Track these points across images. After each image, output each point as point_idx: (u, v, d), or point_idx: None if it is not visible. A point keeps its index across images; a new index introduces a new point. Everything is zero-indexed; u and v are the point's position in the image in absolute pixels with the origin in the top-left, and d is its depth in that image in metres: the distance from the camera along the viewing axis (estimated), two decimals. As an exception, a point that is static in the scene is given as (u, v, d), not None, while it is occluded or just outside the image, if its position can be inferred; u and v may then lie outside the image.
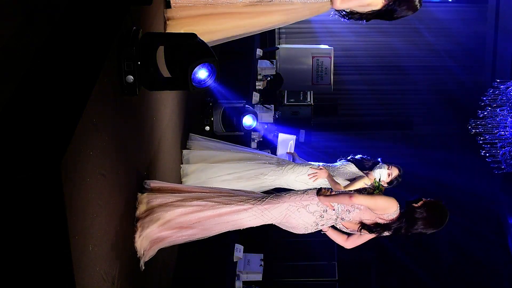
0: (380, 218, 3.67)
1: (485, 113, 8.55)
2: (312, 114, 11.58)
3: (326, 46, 11.44)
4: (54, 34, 3.00)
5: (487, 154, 8.58)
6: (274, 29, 11.78)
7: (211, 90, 6.61)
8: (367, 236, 3.84)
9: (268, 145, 9.29)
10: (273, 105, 9.77)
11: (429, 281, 12.09)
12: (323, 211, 3.75)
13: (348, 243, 3.96)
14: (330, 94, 12.01)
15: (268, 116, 9.38)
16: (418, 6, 4.35)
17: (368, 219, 3.69)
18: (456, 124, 12.20)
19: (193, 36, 3.53)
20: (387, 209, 3.68)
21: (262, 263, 7.45)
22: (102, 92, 2.97)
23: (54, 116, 2.65)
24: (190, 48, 3.52)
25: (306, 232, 3.92)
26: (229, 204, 3.74)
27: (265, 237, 9.45)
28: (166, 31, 4.22)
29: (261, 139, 9.10)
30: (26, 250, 2.53)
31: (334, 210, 3.71)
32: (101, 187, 2.98)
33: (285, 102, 11.50)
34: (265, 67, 9.85)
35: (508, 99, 8.29)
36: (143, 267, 3.66)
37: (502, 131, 8.43)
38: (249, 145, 8.61)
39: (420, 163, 12.99)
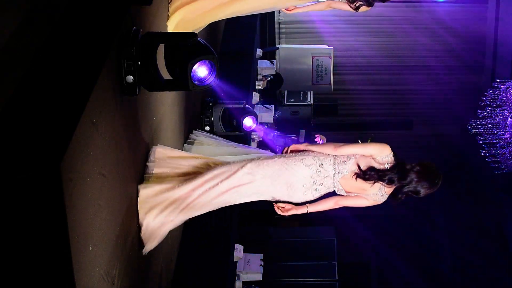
0: (375, 162, 3.72)
1: (485, 113, 8.55)
2: (312, 114, 11.58)
3: (326, 46, 11.45)
4: (54, 34, 3.00)
5: (487, 154, 8.58)
6: (274, 29, 11.80)
7: (211, 89, 6.61)
8: (361, 200, 3.86)
9: (267, 146, 9.30)
10: (273, 105, 9.77)
11: (429, 282, 12.08)
12: (320, 165, 3.76)
13: (341, 202, 3.91)
14: (330, 94, 12.01)
15: (268, 116, 9.38)
16: None
17: (364, 164, 3.72)
18: (456, 124, 12.21)
19: (193, 35, 3.53)
20: (380, 151, 3.75)
21: (262, 263, 7.45)
22: (102, 92, 2.97)
23: (54, 116, 2.65)
24: (190, 46, 3.52)
25: (306, 198, 3.83)
26: (228, 177, 3.77)
27: (265, 237, 9.45)
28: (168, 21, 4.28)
29: (261, 139, 9.10)
30: (26, 250, 2.53)
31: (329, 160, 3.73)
32: (101, 187, 2.98)
33: (285, 102, 11.50)
34: (265, 67, 9.86)
35: (508, 99, 8.29)
36: (146, 253, 3.76)
37: (502, 131, 8.43)
38: (249, 145, 8.61)
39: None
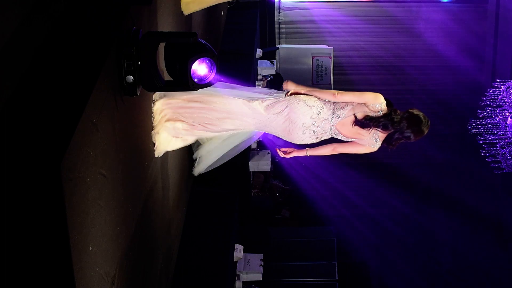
0: (370, 110, 4.02)
1: (485, 113, 8.55)
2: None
3: (326, 46, 11.46)
4: (54, 34, 3.00)
5: (487, 154, 8.58)
6: (274, 29, 11.80)
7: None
8: (357, 147, 4.21)
9: (266, 147, 9.30)
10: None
11: (429, 282, 12.08)
12: (320, 108, 4.08)
13: (338, 148, 4.28)
14: (330, 94, 12.00)
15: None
16: None
17: (360, 112, 4.03)
18: (456, 124, 12.21)
19: (193, 34, 3.53)
20: (374, 99, 4.05)
21: (262, 263, 7.46)
22: (102, 92, 2.97)
23: (54, 116, 2.65)
24: (190, 45, 3.52)
25: (303, 138, 4.14)
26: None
27: (265, 237, 9.45)
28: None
29: (261, 139, 9.10)
30: (26, 250, 2.53)
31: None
32: (101, 187, 2.98)
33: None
34: (265, 67, 9.86)
35: (508, 99, 8.29)
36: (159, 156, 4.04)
37: (502, 131, 8.43)
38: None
39: (420, 162, 13.00)
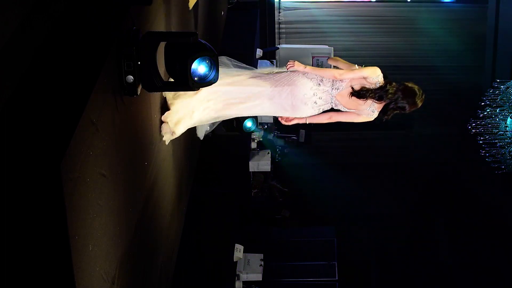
0: (368, 83, 4.26)
1: (485, 113, 8.55)
2: (312, 114, 11.56)
3: (326, 46, 11.45)
4: (54, 34, 3.00)
5: (487, 154, 8.58)
6: (274, 29, 11.80)
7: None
8: (353, 116, 4.41)
9: (266, 146, 9.30)
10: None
11: (429, 281, 12.08)
12: (320, 80, 4.33)
13: (335, 116, 4.50)
14: (330, 94, 12.00)
15: (268, 116, 9.40)
16: None
17: (357, 84, 4.27)
18: (456, 124, 12.21)
19: (193, 34, 3.53)
20: (373, 73, 4.28)
21: (262, 263, 7.46)
22: (102, 92, 2.97)
23: (54, 116, 2.65)
24: (190, 44, 3.52)
25: (305, 109, 4.36)
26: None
27: (265, 237, 9.46)
28: None
29: (261, 139, 9.11)
30: (26, 250, 2.53)
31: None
32: (101, 187, 2.98)
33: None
34: (265, 67, 9.84)
35: (508, 99, 8.29)
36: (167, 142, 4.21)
37: (502, 131, 8.44)
38: (248, 145, 8.63)
39: (420, 162, 13.00)
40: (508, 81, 8.57)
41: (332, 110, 4.47)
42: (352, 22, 11.84)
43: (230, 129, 6.14)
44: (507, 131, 8.38)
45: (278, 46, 11.46)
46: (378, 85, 4.25)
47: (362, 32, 11.85)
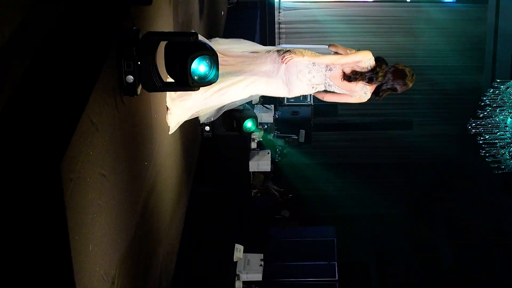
0: (359, 67, 4.45)
1: (485, 113, 8.55)
2: (312, 114, 11.58)
3: (326, 46, 11.42)
4: (54, 34, 3.00)
5: (487, 154, 8.58)
6: (274, 29, 11.80)
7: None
8: (346, 97, 4.60)
9: (266, 146, 9.30)
10: (273, 105, 9.77)
11: (429, 281, 12.07)
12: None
13: (328, 96, 4.71)
14: (330, 94, 11.99)
15: (268, 116, 9.39)
16: None
17: (348, 68, 4.47)
18: (456, 124, 12.21)
19: (193, 34, 3.53)
20: (365, 57, 4.45)
21: (262, 263, 7.46)
22: (102, 92, 2.97)
23: (54, 116, 2.65)
24: (190, 44, 3.52)
25: (300, 86, 4.56)
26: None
27: (265, 237, 9.45)
28: None
29: (261, 139, 9.11)
30: (26, 250, 2.53)
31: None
32: (101, 187, 2.98)
33: (285, 102, 11.49)
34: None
35: (508, 99, 8.29)
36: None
37: (502, 131, 8.43)
38: (248, 145, 8.63)
39: (420, 162, 13.00)
40: (508, 81, 8.57)
41: (325, 91, 4.68)
42: (352, 22, 11.84)
43: (230, 129, 6.14)
44: (507, 131, 8.38)
45: (278, 46, 11.45)
46: (369, 68, 4.43)
47: (362, 32, 11.85)
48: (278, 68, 4.55)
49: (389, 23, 12.12)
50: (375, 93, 4.53)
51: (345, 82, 4.47)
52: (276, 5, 11.77)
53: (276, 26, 11.79)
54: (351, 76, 4.45)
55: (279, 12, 11.94)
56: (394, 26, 12.10)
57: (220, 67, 3.87)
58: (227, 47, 4.79)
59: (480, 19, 11.98)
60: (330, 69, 4.51)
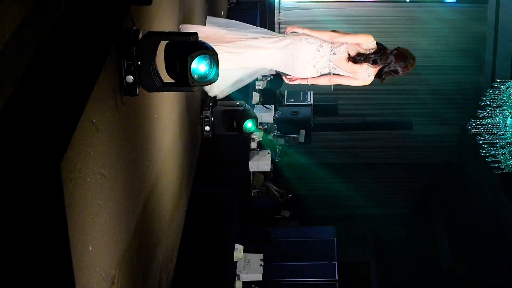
0: (362, 49, 4.62)
1: (485, 113, 8.54)
2: (312, 114, 11.58)
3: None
4: (54, 34, 3.00)
5: (487, 154, 8.57)
6: (274, 29, 11.79)
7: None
8: (351, 81, 4.75)
9: (266, 146, 9.29)
10: (273, 105, 9.77)
11: (429, 281, 12.08)
12: (320, 45, 4.69)
13: (334, 79, 4.83)
14: (330, 94, 12.00)
15: (268, 116, 9.39)
16: None
17: (353, 50, 4.62)
18: (456, 124, 12.21)
19: (193, 34, 3.53)
20: (365, 40, 4.67)
21: (262, 263, 7.46)
22: (102, 92, 2.97)
23: (54, 116, 2.65)
24: (190, 44, 3.52)
25: (305, 72, 4.75)
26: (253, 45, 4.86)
27: (265, 237, 9.46)
28: None
29: (261, 139, 9.11)
30: (26, 250, 2.53)
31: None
32: (101, 187, 2.98)
33: (285, 102, 11.49)
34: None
35: (508, 99, 8.28)
36: None
37: (502, 131, 8.43)
38: (248, 145, 8.64)
39: (420, 163, 13.00)
40: (508, 81, 8.56)
41: (330, 74, 4.84)
42: (352, 22, 11.83)
43: (230, 129, 6.14)
44: (507, 131, 8.37)
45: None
46: (372, 51, 4.61)
47: (362, 32, 11.84)
48: (283, 53, 4.74)
49: (389, 23, 12.12)
50: (377, 75, 4.68)
51: (350, 64, 4.63)
52: (276, 5, 11.77)
53: (276, 26, 11.79)
54: (356, 58, 4.60)
55: (279, 12, 11.94)
56: (394, 26, 12.11)
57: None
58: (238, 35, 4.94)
59: (480, 19, 11.98)
60: (334, 53, 4.67)
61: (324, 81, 4.88)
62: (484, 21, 11.87)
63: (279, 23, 11.97)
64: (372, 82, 4.80)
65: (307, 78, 4.86)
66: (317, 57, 4.69)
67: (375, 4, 12.24)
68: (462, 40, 12.04)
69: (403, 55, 4.61)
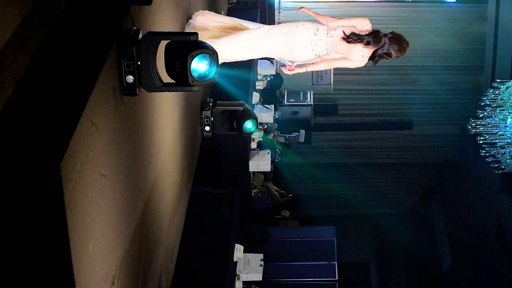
0: (356, 30, 4.79)
1: (485, 113, 8.54)
2: (312, 114, 11.58)
3: (326, 46, 11.41)
4: (54, 34, 3.00)
5: (487, 154, 8.57)
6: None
7: (211, 88, 6.61)
8: (347, 62, 4.90)
9: (266, 146, 9.30)
10: (273, 105, 9.77)
11: (429, 281, 12.07)
12: (316, 29, 4.87)
13: (332, 63, 5.00)
14: (330, 94, 12.00)
15: (268, 116, 9.39)
16: None
17: (348, 31, 4.79)
18: (456, 124, 12.21)
19: (193, 33, 3.53)
20: (361, 22, 4.81)
21: (262, 263, 7.46)
22: (102, 92, 2.97)
23: (54, 116, 2.65)
24: (190, 43, 3.52)
25: (303, 56, 4.92)
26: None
27: (265, 237, 9.46)
28: None
29: (261, 139, 9.11)
30: (26, 250, 2.53)
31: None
32: (101, 187, 2.98)
33: (285, 102, 11.50)
34: (265, 67, 9.85)
35: (508, 99, 8.28)
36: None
37: (502, 131, 8.43)
38: (248, 145, 8.64)
39: (420, 163, 13.00)
40: (508, 81, 8.56)
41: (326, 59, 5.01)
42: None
43: (230, 129, 6.14)
44: (507, 131, 8.37)
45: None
46: (367, 32, 4.77)
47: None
48: (282, 39, 4.96)
49: (389, 23, 12.09)
50: (371, 57, 4.85)
51: (344, 44, 4.78)
52: (276, 5, 11.76)
53: (276, 26, 11.77)
54: (350, 36, 4.75)
55: (279, 12, 11.94)
56: (394, 26, 12.06)
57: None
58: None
59: (480, 19, 11.98)
60: (331, 36, 4.84)
61: (323, 66, 5.05)
62: (484, 21, 11.87)
63: (279, 23, 11.96)
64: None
65: (305, 66, 5.01)
66: (315, 40, 4.85)
67: (376, 4, 12.24)
68: (462, 40, 12.04)
69: (397, 38, 4.77)
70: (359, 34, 4.76)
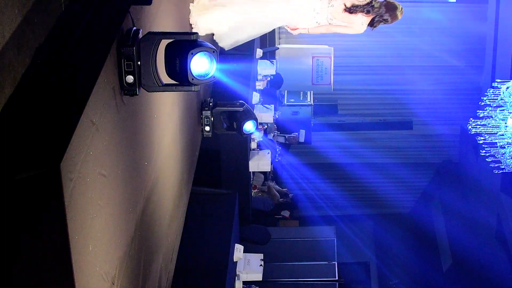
0: (356, 1, 5.19)
1: (485, 113, 8.54)
2: (312, 114, 11.58)
3: (326, 46, 11.44)
4: (54, 33, 3.00)
5: (487, 154, 8.57)
6: (274, 29, 11.80)
7: (211, 89, 6.61)
8: (347, 29, 5.37)
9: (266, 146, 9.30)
10: (273, 105, 9.77)
11: (429, 281, 12.07)
12: None
13: (331, 28, 5.42)
14: (330, 94, 12.00)
15: (268, 116, 9.39)
16: None
17: (349, 2, 5.18)
18: (456, 124, 12.21)
19: (193, 33, 3.53)
20: None
21: (262, 263, 7.47)
22: (102, 92, 2.97)
23: (54, 116, 2.65)
24: (190, 43, 3.52)
25: (306, 23, 5.34)
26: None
27: (265, 237, 9.46)
28: None
29: (261, 139, 9.11)
30: (26, 250, 2.53)
31: None
32: (101, 187, 2.98)
33: (285, 102, 11.50)
34: (265, 67, 9.85)
35: (508, 99, 8.28)
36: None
37: (502, 131, 8.43)
38: (248, 145, 8.64)
39: (420, 163, 13.00)
40: (508, 81, 8.56)
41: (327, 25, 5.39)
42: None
43: (230, 129, 6.14)
44: (507, 131, 8.37)
45: (278, 46, 11.46)
46: (365, 2, 5.18)
47: (362, 32, 11.83)
48: (285, 6, 5.29)
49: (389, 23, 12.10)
50: (370, 24, 5.29)
51: (346, 14, 5.21)
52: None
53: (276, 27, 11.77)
54: (351, 8, 5.18)
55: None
56: (394, 26, 12.07)
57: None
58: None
59: (480, 19, 11.98)
60: (332, 5, 5.24)
61: (322, 30, 5.46)
62: (484, 21, 11.86)
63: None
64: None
65: (307, 28, 5.46)
66: (317, 9, 5.25)
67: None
68: (462, 40, 12.04)
69: (392, 5, 5.24)
70: (359, 5, 5.18)
